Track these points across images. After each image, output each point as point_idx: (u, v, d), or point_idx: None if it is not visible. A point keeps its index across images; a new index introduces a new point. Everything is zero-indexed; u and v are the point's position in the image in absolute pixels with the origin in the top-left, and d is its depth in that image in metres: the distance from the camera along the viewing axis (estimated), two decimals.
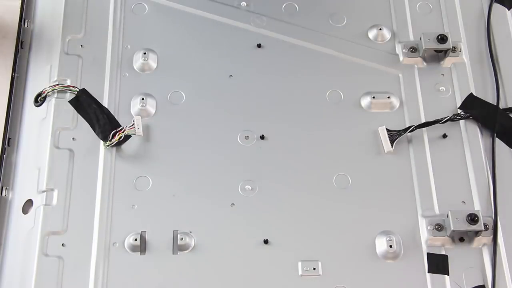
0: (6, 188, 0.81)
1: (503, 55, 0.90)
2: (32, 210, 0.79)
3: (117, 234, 0.78)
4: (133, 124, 0.82)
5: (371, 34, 0.91)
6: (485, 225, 0.78)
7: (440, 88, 0.88)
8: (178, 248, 0.77)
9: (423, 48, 0.88)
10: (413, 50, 0.90)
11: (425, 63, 0.89)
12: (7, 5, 0.93)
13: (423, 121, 0.85)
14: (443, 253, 0.78)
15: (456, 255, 0.78)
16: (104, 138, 0.82)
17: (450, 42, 0.88)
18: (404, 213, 0.80)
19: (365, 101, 0.86)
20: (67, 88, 0.85)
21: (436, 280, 0.77)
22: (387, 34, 0.91)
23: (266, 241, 0.77)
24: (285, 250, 0.77)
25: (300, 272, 0.77)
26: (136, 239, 0.76)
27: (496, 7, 0.94)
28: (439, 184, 0.82)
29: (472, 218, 0.77)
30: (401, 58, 0.90)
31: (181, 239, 0.77)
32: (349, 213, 0.79)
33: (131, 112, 0.85)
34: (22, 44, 0.90)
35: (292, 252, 0.77)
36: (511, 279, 0.77)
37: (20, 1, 0.92)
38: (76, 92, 0.85)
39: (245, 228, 0.78)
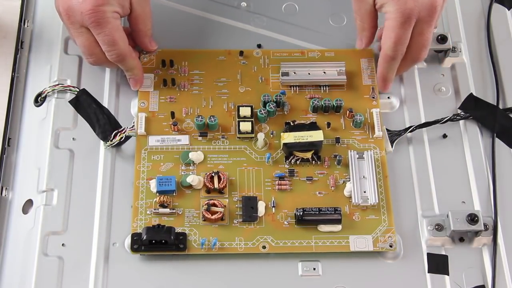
0: (6, 188, 0.81)
1: (503, 55, 0.90)
2: (32, 210, 0.79)
3: (117, 234, 0.78)
4: (134, 125, 0.82)
5: None
6: (485, 225, 0.78)
7: (440, 88, 0.88)
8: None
9: None
10: None
11: (425, 63, 0.89)
12: (7, 5, 0.93)
13: (423, 121, 0.85)
14: (443, 253, 0.78)
15: (456, 255, 0.78)
16: (104, 138, 0.82)
17: (450, 42, 0.88)
18: (404, 213, 0.80)
19: None
20: (67, 88, 0.85)
21: (436, 280, 0.77)
22: None
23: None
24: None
25: (300, 272, 0.77)
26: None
27: (496, 7, 0.94)
28: (439, 184, 0.82)
29: (472, 218, 0.77)
30: None
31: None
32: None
33: (131, 112, 0.85)
34: (22, 44, 0.90)
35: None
36: (511, 279, 0.77)
37: (20, 1, 0.92)
38: (76, 92, 0.85)
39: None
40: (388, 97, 0.87)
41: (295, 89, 0.86)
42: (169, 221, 0.77)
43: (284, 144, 0.80)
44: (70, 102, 0.85)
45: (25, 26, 0.91)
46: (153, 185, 0.79)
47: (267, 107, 0.83)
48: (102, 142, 0.82)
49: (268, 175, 0.81)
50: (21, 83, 0.87)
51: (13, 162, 0.83)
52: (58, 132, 0.83)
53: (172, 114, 0.83)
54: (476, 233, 0.78)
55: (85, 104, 0.84)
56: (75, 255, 0.77)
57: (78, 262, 0.76)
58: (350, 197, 0.79)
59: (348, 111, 0.83)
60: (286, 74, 0.85)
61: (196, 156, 0.81)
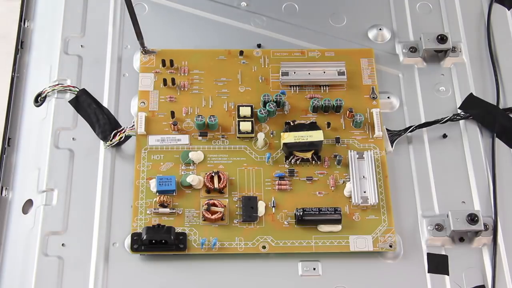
0: (6, 188, 0.81)
1: (503, 55, 0.90)
2: (32, 210, 0.80)
3: (117, 234, 0.78)
4: (134, 124, 0.82)
5: (371, 34, 0.91)
6: (485, 225, 0.78)
7: (440, 88, 0.88)
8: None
9: (423, 48, 0.88)
10: (413, 50, 0.90)
11: (425, 63, 0.89)
12: (7, 5, 0.93)
13: (423, 121, 0.85)
14: (443, 253, 0.78)
15: (456, 255, 0.78)
16: (104, 138, 0.82)
17: (450, 42, 0.88)
18: (404, 213, 0.80)
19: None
20: (67, 88, 0.85)
21: (436, 280, 0.77)
22: (387, 34, 0.91)
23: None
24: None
25: (300, 272, 0.77)
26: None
27: (496, 7, 0.94)
28: (439, 184, 0.82)
29: (472, 218, 0.77)
30: (401, 58, 0.90)
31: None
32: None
33: (131, 112, 0.85)
34: (22, 44, 0.90)
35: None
36: (511, 279, 0.77)
37: (20, 1, 0.92)
38: (76, 92, 0.85)
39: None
40: (388, 97, 0.87)
41: (295, 89, 0.86)
42: (169, 221, 0.77)
43: (284, 144, 0.80)
44: (70, 102, 0.85)
45: (25, 26, 0.91)
46: (153, 185, 0.79)
47: (267, 107, 0.83)
48: (102, 142, 0.82)
49: (268, 175, 0.80)
50: (21, 83, 0.87)
51: (13, 162, 0.83)
52: (58, 132, 0.83)
53: (172, 113, 0.83)
54: (476, 233, 0.78)
55: (85, 104, 0.85)
56: (75, 255, 0.77)
57: (78, 262, 0.76)
58: (350, 197, 0.79)
59: (348, 111, 0.83)
60: (286, 74, 0.85)
61: (196, 156, 0.81)
